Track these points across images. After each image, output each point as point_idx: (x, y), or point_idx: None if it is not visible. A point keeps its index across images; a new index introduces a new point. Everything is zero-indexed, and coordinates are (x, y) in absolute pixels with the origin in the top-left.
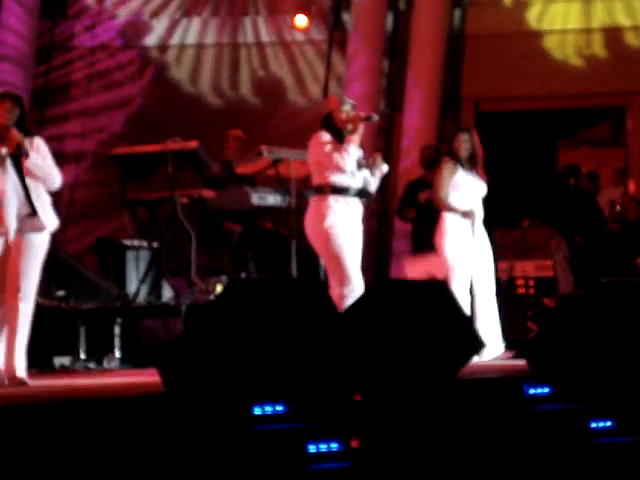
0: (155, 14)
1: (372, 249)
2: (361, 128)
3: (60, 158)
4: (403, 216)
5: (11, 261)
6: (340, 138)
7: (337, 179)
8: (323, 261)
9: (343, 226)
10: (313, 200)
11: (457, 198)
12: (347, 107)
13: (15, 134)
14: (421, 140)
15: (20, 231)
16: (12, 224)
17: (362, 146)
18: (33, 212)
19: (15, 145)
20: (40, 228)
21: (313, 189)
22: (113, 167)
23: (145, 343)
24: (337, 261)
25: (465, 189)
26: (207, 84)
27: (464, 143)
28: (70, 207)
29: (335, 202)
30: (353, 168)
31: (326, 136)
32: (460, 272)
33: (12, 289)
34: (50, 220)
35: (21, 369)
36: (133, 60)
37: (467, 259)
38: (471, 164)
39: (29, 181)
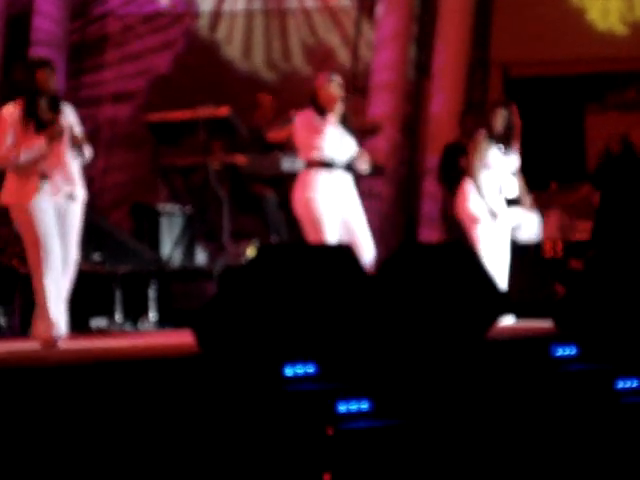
0: None
1: (400, 213)
2: (339, 107)
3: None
4: (445, 181)
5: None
6: (323, 115)
7: (320, 155)
8: (306, 231)
9: (324, 199)
10: (300, 175)
11: (488, 176)
12: (333, 85)
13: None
14: (449, 105)
15: (62, 201)
16: (60, 191)
17: (347, 121)
18: (71, 181)
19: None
20: (75, 198)
21: (301, 163)
22: (148, 136)
23: (179, 305)
24: (314, 232)
25: (496, 166)
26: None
27: (502, 118)
28: (106, 173)
29: (317, 175)
30: (334, 145)
31: (308, 114)
32: (482, 231)
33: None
34: (81, 190)
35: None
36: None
37: (490, 233)
38: (506, 139)
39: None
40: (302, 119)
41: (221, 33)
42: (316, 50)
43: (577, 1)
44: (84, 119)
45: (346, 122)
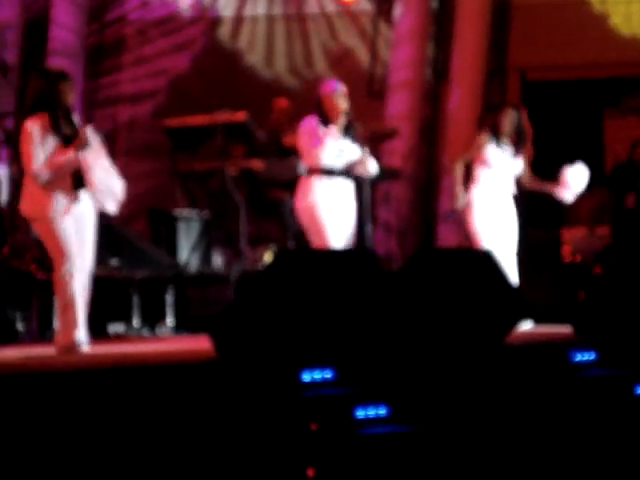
0: None
1: (418, 216)
2: (343, 119)
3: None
4: None
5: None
6: (327, 123)
7: (321, 162)
8: (309, 237)
9: (326, 205)
10: (301, 181)
11: (488, 175)
12: (337, 96)
13: (84, 135)
14: (467, 108)
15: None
16: (79, 198)
17: (352, 129)
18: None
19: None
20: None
21: (304, 169)
22: (165, 142)
23: (196, 311)
24: (318, 238)
25: (497, 166)
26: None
27: (509, 119)
28: (122, 177)
29: (319, 182)
30: (334, 153)
31: (312, 122)
32: (485, 242)
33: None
34: (103, 195)
35: (84, 337)
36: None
37: (493, 229)
38: (516, 142)
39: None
40: (306, 126)
41: (242, 40)
42: (337, 54)
43: (598, 6)
44: (102, 120)
45: (351, 130)
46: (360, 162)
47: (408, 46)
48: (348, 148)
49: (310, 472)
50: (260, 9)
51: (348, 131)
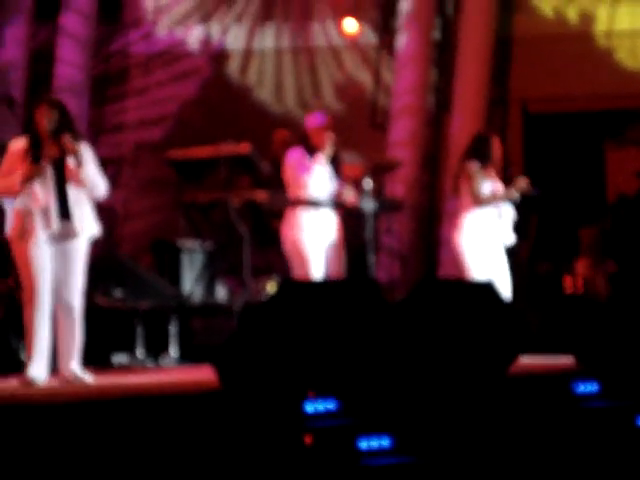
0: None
1: (420, 240)
2: (330, 148)
3: (117, 162)
4: None
5: (56, 267)
6: (313, 155)
7: (307, 193)
8: (293, 270)
9: (311, 238)
10: (288, 213)
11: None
12: (324, 127)
13: (69, 142)
14: (468, 137)
15: (59, 237)
16: (57, 228)
17: (335, 160)
18: (68, 218)
19: (70, 152)
20: (74, 234)
21: (289, 201)
22: (169, 173)
23: (200, 341)
24: (303, 272)
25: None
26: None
27: (498, 147)
28: (126, 208)
29: (304, 214)
30: (321, 184)
31: (295, 154)
32: (475, 270)
33: (60, 295)
34: (87, 226)
35: (77, 369)
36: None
37: (484, 257)
38: (502, 170)
39: (70, 187)
40: (292, 157)
41: (251, 76)
42: (344, 86)
43: (601, 39)
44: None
45: (335, 162)
46: (339, 194)
47: (410, 75)
48: (332, 177)
49: None
50: (268, 42)
51: (333, 162)
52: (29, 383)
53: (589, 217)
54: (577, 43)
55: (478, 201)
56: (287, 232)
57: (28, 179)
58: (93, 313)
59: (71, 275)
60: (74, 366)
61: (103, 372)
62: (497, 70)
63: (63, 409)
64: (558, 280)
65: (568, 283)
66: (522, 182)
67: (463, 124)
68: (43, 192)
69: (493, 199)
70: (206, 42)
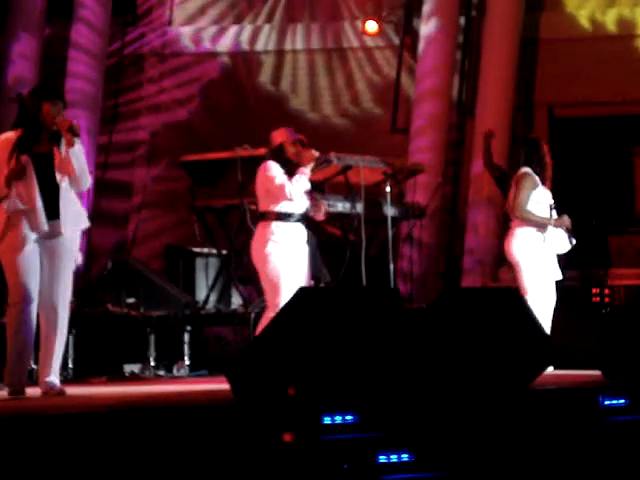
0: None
1: (442, 250)
2: (311, 165)
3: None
4: None
5: (42, 267)
6: (290, 169)
7: (281, 207)
8: (263, 284)
9: (283, 252)
10: (259, 226)
11: (535, 211)
12: (298, 142)
13: (63, 119)
14: (493, 146)
15: (47, 236)
16: (44, 228)
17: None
18: (57, 217)
19: (67, 127)
20: (62, 233)
21: (258, 215)
22: (183, 177)
23: (213, 350)
24: (273, 287)
25: (544, 203)
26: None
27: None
28: (140, 213)
29: (277, 228)
30: (300, 197)
31: (276, 166)
32: (537, 282)
33: (44, 296)
34: (76, 223)
35: (56, 378)
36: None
37: (542, 269)
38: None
39: (60, 182)
40: (271, 170)
41: (285, 84)
42: (382, 88)
43: (624, 43)
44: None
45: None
46: (314, 206)
47: (432, 80)
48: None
49: None
50: (299, 45)
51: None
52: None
53: (617, 224)
54: (604, 46)
55: (519, 213)
56: (259, 247)
57: (14, 177)
58: (104, 321)
59: (59, 276)
60: (52, 378)
61: (114, 382)
62: (522, 73)
63: (69, 419)
64: (587, 289)
65: (594, 292)
66: (567, 221)
67: (487, 129)
68: (28, 192)
69: (538, 220)
70: (236, 45)
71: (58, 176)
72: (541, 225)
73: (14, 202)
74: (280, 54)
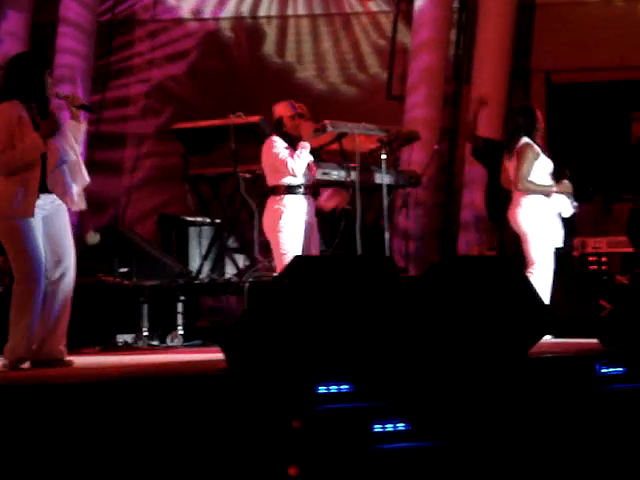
0: None
1: (439, 222)
2: (311, 135)
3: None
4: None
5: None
6: (291, 142)
7: (289, 180)
8: (275, 256)
9: (295, 224)
10: (269, 199)
11: (537, 180)
12: (297, 113)
13: (74, 95)
14: (490, 112)
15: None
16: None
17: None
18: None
19: (78, 104)
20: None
21: (268, 189)
22: (176, 143)
23: (207, 320)
24: (286, 259)
25: (545, 171)
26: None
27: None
28: (132, 183)
29: (287, 201)
30: (304, 170)
31: (279, 141)
32: (544, 251)
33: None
34: (78, 200)
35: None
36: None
37: (549, 237)
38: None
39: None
40: (275, 145)
41: (290, 54)
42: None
43: (621, 8)
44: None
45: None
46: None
47: (427, 49)
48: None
49: None
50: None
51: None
52: (18, 366)
53: (616, 190)
54: (602, 10)
55: (522, 185)
56: (271, 221)
57: (49, 135)
58: (97, 291)
59: (64, 249)
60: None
61: (107, 352)
62: (519, 39)
63: (63, 389)
64: (584, 257)
65: (591, 260)
66: (568, 186)
67: (484, 95)
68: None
69: (541, 189)
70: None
71: (70, 139)
72: (544, 194)
73: (10, 162)
74: (282, 20)
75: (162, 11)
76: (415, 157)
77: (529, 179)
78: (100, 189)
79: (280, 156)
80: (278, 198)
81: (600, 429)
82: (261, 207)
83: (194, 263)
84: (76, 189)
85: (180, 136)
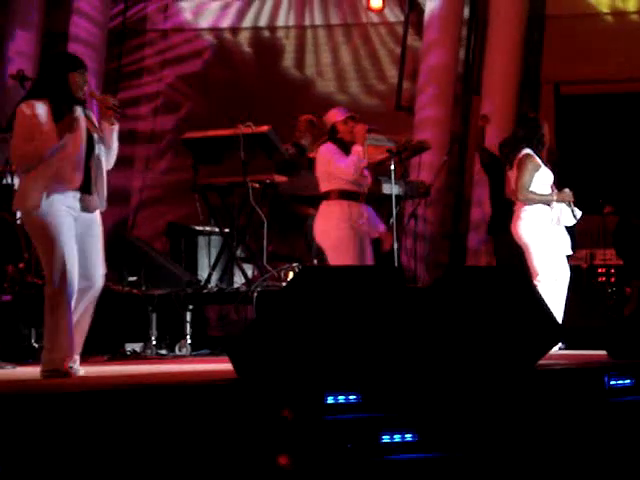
0: None
1: (448, 228)
2: (366, 139)
3: (132, 141)
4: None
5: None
6: (345, 147)
7: (344, 186)
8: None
9: (350, 232)
10: (322, 204)
11: (539, 191)
12: (351, 119)
13: (105, 96)
14: (499, 124)
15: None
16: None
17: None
18: (89, 191)
19: (109, 105)
20: (95, 208)
21: (322, 195)
22: (186, 151)
23: (216, 329)
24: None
25: (546, 183)
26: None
27: (547, 132)
28: (143, 192)
29: (343, 208)
30: (358, 176)
31: (332, 147)
32: (548, 262)
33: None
34: (103, 197)
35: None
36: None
37: (552, 247)
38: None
39: (96, 156)
40: (328, 151)
41: (309, 69)
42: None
43: (632, 20)
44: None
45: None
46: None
47: (437, 57)
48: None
49: None
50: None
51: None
52: (61, 375)
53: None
54: (612, 22)
55: (523, 196)
56: (325, 228)
57: (71, 129)
58: (106, 299)
59: (95, 256)
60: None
61: (116, 361)
62: (529, 50)
63: (72, 398)
64: (593, 269)
65: (600, 272)
66: (569, 195)
67: (493, 106)
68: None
69: (541, 199)
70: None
71: (96, 137)
72: (545, 203)
73: (35, 159)
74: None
75: (173, 21)
76: (424, 159)
77: (530, 189)
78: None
79: (335, 161)
80: (332, 203)
81: (608, 441)
82: (271, 216)
83: (203, 272)
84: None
85: (189, 146)
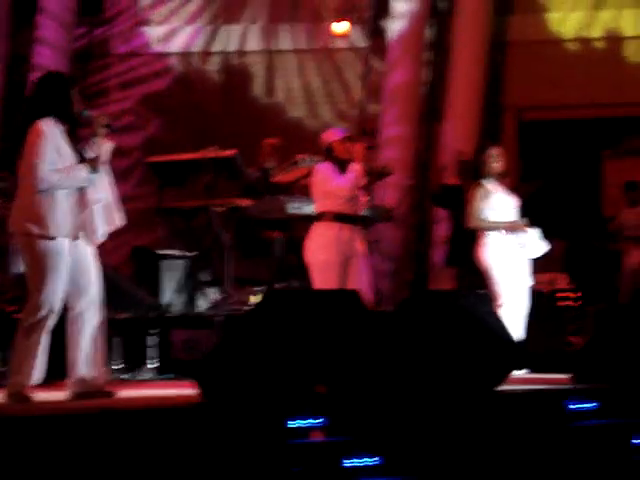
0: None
1: (410, 261)
2: (362, 158)
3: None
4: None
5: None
6: (342, 166)
7: (339, 208)
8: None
9: (336, 258)
10: (315, 225)
11: (492, 217)
12: (346, 139)
13: (99, 115)
14: (462, 149)
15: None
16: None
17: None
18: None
19: (104, 124)
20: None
21: (315, 215)
22: (150, 178)
23: (180, 354)
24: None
25: (502, 209)
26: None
27: (497, 157)
28: None
29: (334, 232)
30: (354, 195)
31: (329, 166)
32: (506, 288)
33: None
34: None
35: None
36: (169, 66)
37: (511, 273)
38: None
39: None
40: (322, 171)
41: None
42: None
43: (593, 47)
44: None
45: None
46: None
47: (401, 76)
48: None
49: None
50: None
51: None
52: (26, 399)
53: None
54: (574, 48)
55: (471, 223)
56: (315, 249)
57: (94, 171)
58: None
59: (92, 279)
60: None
61: None
62: (490, 76)
63: (35, 422)
64: (553, 293)
65: (561, 296)
66: (521, 226)
67: (456, 132)
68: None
69: (490, 226)
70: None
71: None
72: (508, 230)
73: (56, 182)
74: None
75: (136, 44)
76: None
77: (481, 217)
78: None
79: (330, 180)
80: (324, 225)
81: (568, 466)
82: (236, 240)
83: (167, 296)
84: (104, 229)
85: (154, 169)
